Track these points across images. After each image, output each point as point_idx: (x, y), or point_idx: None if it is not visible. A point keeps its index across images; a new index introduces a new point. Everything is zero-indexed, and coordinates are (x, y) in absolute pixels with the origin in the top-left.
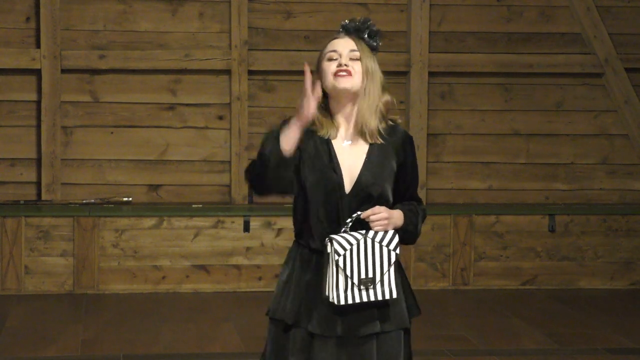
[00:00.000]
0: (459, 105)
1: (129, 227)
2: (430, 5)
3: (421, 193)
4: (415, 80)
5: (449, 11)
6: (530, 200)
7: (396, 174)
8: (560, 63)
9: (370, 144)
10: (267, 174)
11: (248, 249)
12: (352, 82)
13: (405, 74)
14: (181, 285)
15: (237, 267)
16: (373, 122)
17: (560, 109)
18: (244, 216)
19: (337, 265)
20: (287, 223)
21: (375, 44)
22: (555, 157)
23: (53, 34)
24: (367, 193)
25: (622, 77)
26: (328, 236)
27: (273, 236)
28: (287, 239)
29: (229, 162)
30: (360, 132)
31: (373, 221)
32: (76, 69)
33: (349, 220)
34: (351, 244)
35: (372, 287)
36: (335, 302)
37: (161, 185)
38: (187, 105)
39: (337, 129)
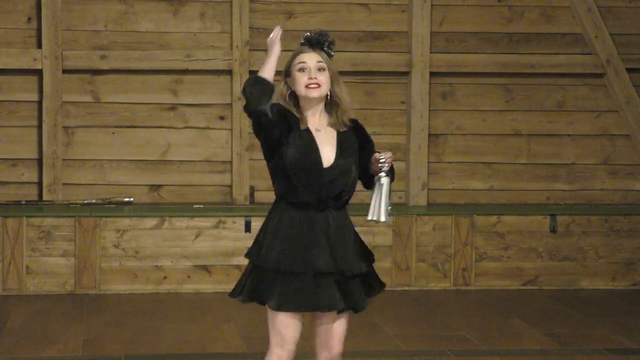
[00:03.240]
0: (460, 106)
1: (130, 228)
2: (432, 5)
3: (422, 193)
4: (416, 81)
5: (450, 11)
6: (532, 200)
7: (360, 150)
8: (561, 63)
9: (337, 133)
10: (259, 96)
11: None
12: (320, 91)
13: (406, 74)
14: (182, 286)
15: (239, 267)
16: (346, 117)
17: (561, 109)
18: (245, 216)
19: (381, 192)
20: None
21: (332, 53)
22: (556, 157)
23: (54, 34)
24: (342, 168)
25: (624, 77)
26: (377, 175)
27: None
28: None
29: (230, 162)
30: (332, 123)
31: (387, 161)
32: (77, 69)
33: (384, 161)
34: (386, 179)
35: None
36: (377, 219)
37: (162, 185)
38: (189, 105)
39: (308, 121)
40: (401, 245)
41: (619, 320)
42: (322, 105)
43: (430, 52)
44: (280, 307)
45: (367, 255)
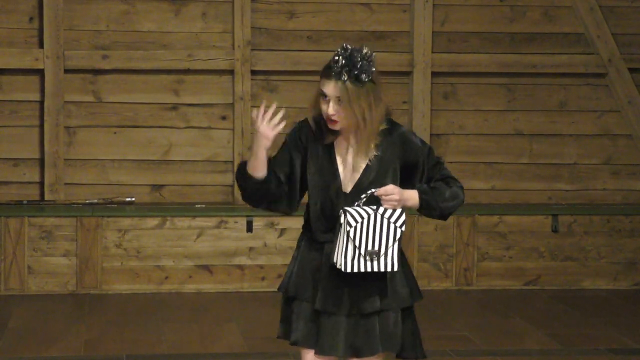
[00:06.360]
0: (462, 106)
1: (132, 227)
2: (433, 5)
3: None
4: (418, 81)
5: (452, 11)
6: (534, 200)
7: (406, 170)
8: (563, 63)
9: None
10: (254, 197)
11: (251, 249)
12: (340, 125)
13: (408, 74)
14: (184, 286)
15: (240, 267)
16: (371, 144)
17: (563, 109)
18: (247, 216)
19: (348, 236)
20: (290, 223)
21: (365, 78)
22: (558, 157)
23: (56, 34)
24: (364, 190)
25: (626, 77)
26: (342, 208)
27: (276, 236)
28: (290, 239)
29: (232, 162)
30: (358, 150)
31: (384, 200)
32: (79, 69)
33: (363, 195)
34: (362, 217)
35: (376, 258)
36: (342, 269)
37: (164, 185)
38: (190, 105)
39: (340, 136)
40: (403, 245)
41: (620, 320)
42: (354, 132)
43: (432, 52)
44: (283, 335)
45: (391, 295)
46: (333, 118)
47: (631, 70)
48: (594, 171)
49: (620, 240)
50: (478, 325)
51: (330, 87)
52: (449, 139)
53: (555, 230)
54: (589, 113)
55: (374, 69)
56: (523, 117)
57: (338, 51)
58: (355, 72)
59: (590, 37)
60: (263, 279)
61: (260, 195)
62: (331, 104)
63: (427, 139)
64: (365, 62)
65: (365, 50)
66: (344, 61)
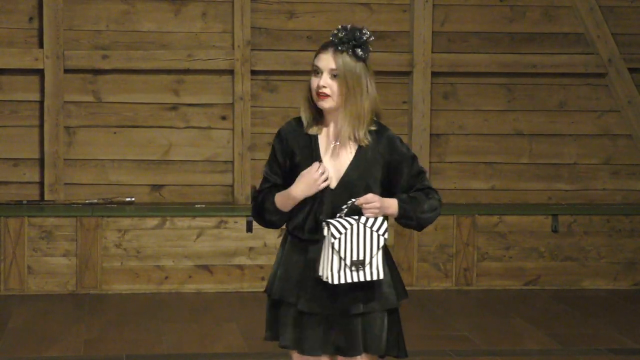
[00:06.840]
0: (462, 106)
1: (132, 227)
2: (433, 5)
3: None
4: (418, 81)
5: (452, 11)
6: (533, 200)
7: (388, 174)
8: (563, 63)
9: (359, 146)
10: (278, 225)
11: (251, 249)
12: (330, 102)
13: (408, 74)
14: (184, 286)
15: (240, 267)
16: (360, 131)
17: (563, 109)
18: (247, 216)
19: (333, 248)
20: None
21: (362, 54)
22: (558, 157)
23: (56, 34)
24: (351, 190)
25: (626, 77)
26: (325, 220)
27: (276, 236)
28: None
29: (232, 162)
30: (346, 136)
31: (366, 208)
32: (79, 69)
33: (344, 207)
34: (346, 228)
35: (362, 268)
36: (329, 281)
37: (164, 185)
38: (190, 105)
39: (327, 129)
40: (403, 245)
41: (620, 320)
42: (342, 113)
43: (432, 52)
44: (270, 338)
45: (376, 297)
46: (324, 91)
47: (631, 70)
48: (593, 171)
49: (620, 240)
50: (478, 325)
51: (325, 59)
52: (448, 139)
53: (555, 230)
54: (588, 113)
55: (370, 50)
56: (523, 117)
57: (339, 27)
58: (354, 43)
59: (590, 37)
60: (263, 279)
61: (284, 220)
62: (324, 75)
63: (427, 139)
64: (363, 40)
65: (365, 30)
66: (343, 33)
